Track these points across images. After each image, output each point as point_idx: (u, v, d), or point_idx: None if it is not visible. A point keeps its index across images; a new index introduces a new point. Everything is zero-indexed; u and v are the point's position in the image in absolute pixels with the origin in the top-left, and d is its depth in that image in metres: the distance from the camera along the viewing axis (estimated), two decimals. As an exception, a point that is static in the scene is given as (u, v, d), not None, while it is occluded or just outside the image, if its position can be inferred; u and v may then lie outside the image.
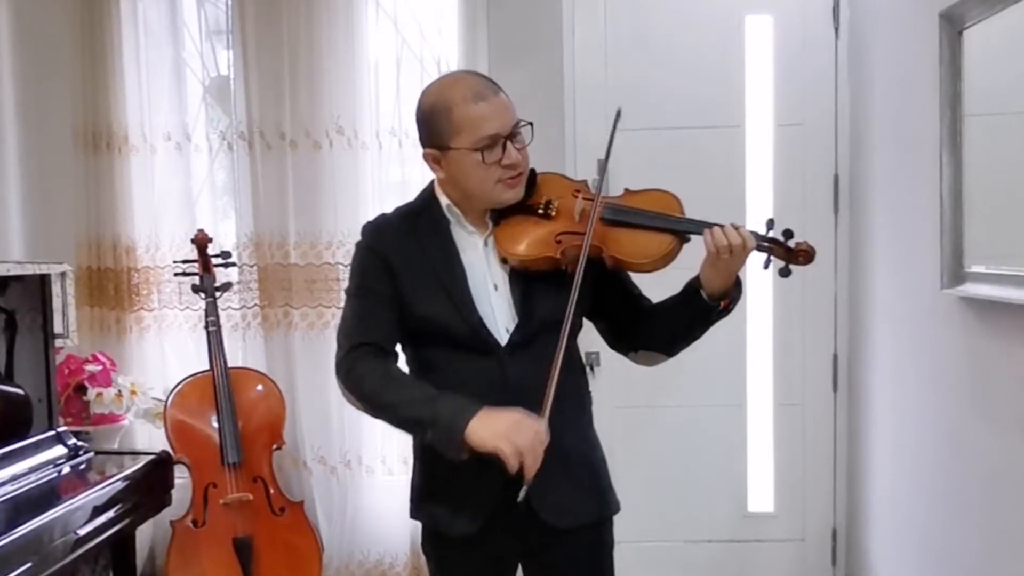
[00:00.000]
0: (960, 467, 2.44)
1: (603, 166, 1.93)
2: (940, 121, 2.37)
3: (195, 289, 3.33)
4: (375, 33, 3.50)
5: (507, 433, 1.68)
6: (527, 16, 3.44)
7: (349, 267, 1.96)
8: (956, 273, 2.34)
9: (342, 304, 1.96)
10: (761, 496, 3.53)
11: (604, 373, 3.39)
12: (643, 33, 3.42)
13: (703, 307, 1.83)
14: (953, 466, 2.49)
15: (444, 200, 1.90)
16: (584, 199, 1.88)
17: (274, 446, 3.27)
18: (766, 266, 1.86)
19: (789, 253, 1.83)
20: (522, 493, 1.71)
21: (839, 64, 3.36)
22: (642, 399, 3.48)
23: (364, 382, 1.83)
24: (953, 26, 2.31)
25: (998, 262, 2.17)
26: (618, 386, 3.41)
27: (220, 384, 3.20)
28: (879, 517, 3.16)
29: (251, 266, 3.56)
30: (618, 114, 1.93)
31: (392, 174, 3.51)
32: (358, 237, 1.94)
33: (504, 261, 1.87)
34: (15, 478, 2.55)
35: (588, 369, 3.33)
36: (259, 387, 3.33)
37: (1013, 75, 2.10)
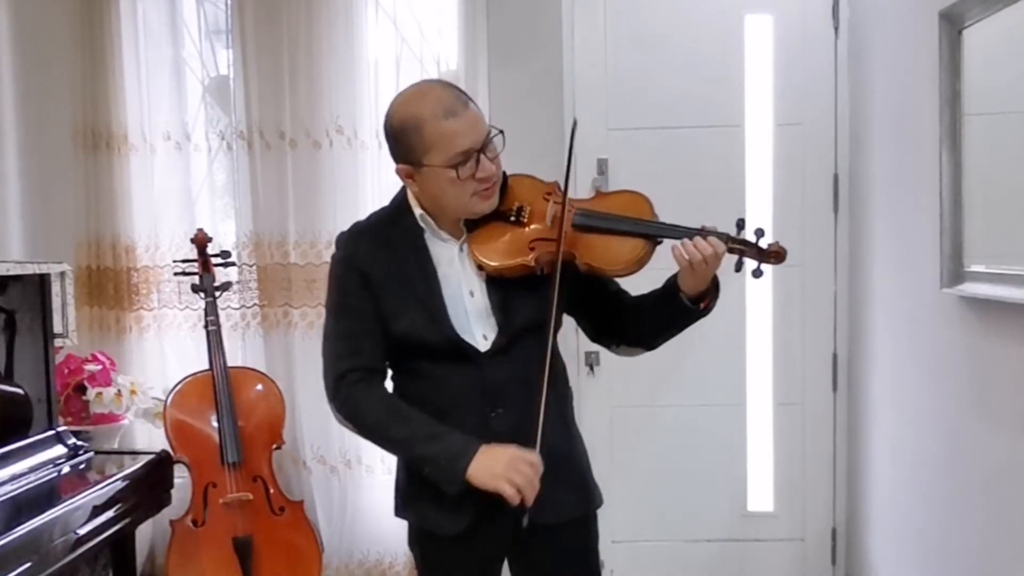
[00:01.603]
0: (960, 466, 2.44)
1: (567, 174, 1.88)
2: (940, 120, 2.37)
3: (195, 289, 3.33)
4: (375, 32, 3.50)
5: (505, 472, 1.74)
6: (527, 16, 3.44)
7: (328, 279, 1.94)
8: (956, 272, 2.34)
9: None
10: (761, 495, 3.53)
11: (603, 373, 3.40)
12: (643, 32, 3.42)
13: (683, 309, 1.85)
14: (953, 465, 2.49)
15: (417, 210, 1.90)
16: (556, 203, 1.87)
17: (274, 446, 3.27)
18: (738, 268, 1.84)
19: (761, 254, 1.82)
20: (525, 520, 1.77)
21: (839, 63, 3.36)
22: (641, 398, 3.48)
23: (363, 416, 1.87)
24: (953, 25, 2.31)
25: (998, 261, 2.17)
26: (617, 386, 3.41)
27: (220, 384, 3.20)
28: (879, 516, 3.16)
29: (250, 265, 3.56)
30: (574, 125, 1.92)
31: (391, 174, 3.49)
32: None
33: (480, 268, 1.87)
34: (15, 478, 2.55)
35: (588, 369, 3.38)
36: (259, 386, 3.33)
37: (1013, 74, 2.10)
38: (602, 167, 3.37)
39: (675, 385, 3.47)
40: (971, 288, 2.27)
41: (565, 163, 1.88)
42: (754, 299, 3.43)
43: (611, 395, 3.42)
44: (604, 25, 3.43)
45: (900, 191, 2.87)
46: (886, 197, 3.02)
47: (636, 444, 3.48)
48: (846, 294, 3.41)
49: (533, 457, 1.76)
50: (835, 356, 3.46)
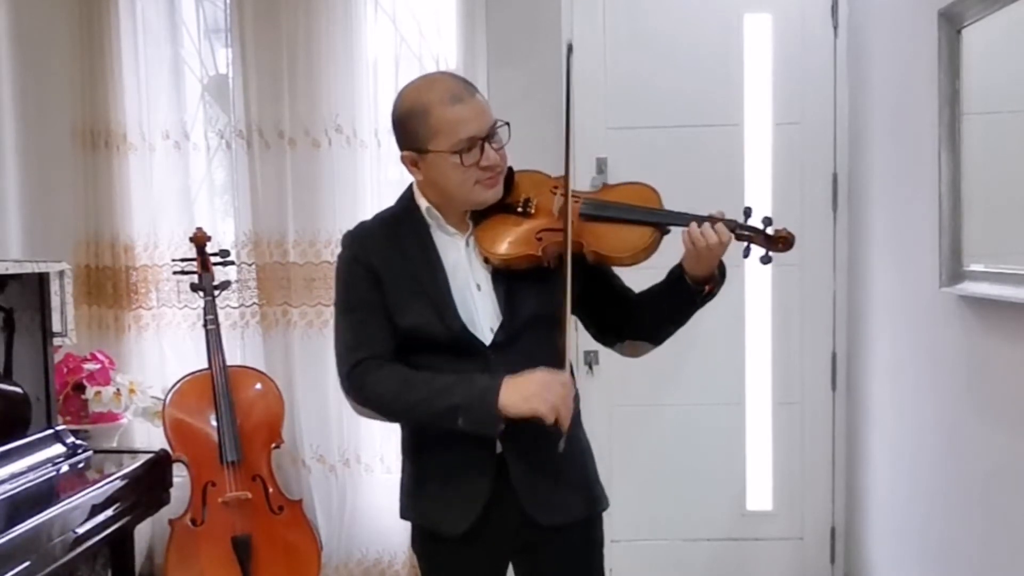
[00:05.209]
0: (959, 465, 2.44)
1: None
2: (939, 119, 2.37)
3: (194, 288, 3.33)
4: (374, 31, 3.50)
5: (539, 393, 1.74)
6: (526, 14, 3.44)
7: (335, 279, 1.95)
8: (955, 271, 2.34)
9: None
10: (760, 494, 3.53)
11: (603, 372, 3.40)
12: (642, 31, 3.42)
13: (688, 293, 1.85)
14: (952, 464, 2.49)
15: (424, 203, 1.90)
16: (563, 195, 1.88)
17: (273, 444, 3.27)
18: (746, 255, 1.86)
19: (768, 241, 1.82)
20: (561, 444, 1.76)
21: (838, 62, 3.36)
22: (641, 397, 3.48)
23: (379, 393, 1.85)
24: (952, 24, 2.31)
25: (997, 260, 2.17)
26: (617, 384, 3.41)
27: (219, 382, 3.19)
28: (878, 515, 3.16)
29: (250, 264, 3.56)
30: (569, 48, 2.02)
31: (391, 172, 3.51)
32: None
33: (487, 261, 1.87)
34: (13, 477, 2.54)
35: (587, 368, 3.38)
36: (258, 385, 3.33)
37: (1012, 73, 2.10)
38: (601, 166, 3.37)
39: (674, 384, 3.47)
40: (970, 287, 2.27)
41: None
42: (753, 298, 3.43)
43: (610, 394, 3.42)
44: (604, 25, 3.43)
45: (899, 190, 2.87)
46: (885, 196, 3.02)
47: (635, 443, 3.48)
48: (845, 293, 3.41)
49: (564, 376, 1.76)
50: (834, 355, 3.46)
